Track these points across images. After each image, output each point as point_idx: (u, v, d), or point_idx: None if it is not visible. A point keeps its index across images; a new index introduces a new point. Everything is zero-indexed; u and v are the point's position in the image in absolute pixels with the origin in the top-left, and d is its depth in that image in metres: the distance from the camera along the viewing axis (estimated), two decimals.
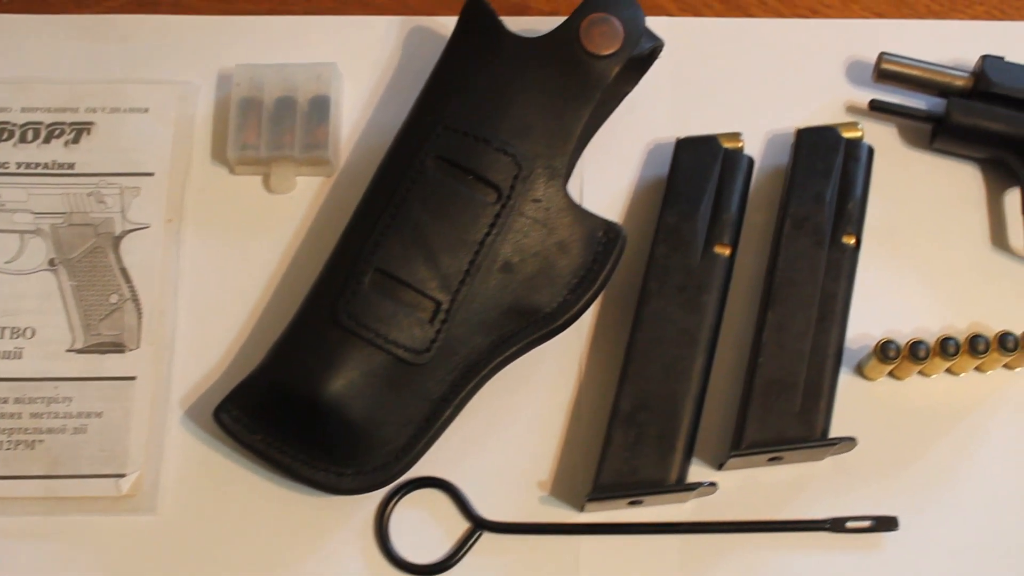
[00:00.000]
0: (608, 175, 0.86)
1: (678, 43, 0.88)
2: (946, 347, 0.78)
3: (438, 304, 0.76)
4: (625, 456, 0.76)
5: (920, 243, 0.85)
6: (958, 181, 0.86)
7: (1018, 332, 0.78)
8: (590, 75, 0.79)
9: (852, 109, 0.87)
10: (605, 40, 0.79)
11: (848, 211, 0.81)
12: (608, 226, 0.79)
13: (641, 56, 0.81)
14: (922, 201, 0.86)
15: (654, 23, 0.87)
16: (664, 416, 0.76)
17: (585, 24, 0.79)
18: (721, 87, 0.88)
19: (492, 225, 0.77)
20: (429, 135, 0.78)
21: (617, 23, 0.79)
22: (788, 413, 0.76)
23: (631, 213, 0.85)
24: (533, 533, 0.78)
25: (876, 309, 0.83)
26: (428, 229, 0.76)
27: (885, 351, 0.78)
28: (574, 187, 0.84)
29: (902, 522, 0.77)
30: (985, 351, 0.78)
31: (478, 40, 0.80)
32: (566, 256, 0.78)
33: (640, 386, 0.77)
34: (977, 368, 0.81)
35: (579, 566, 0.77)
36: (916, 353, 0.78)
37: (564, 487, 0.78)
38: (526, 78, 0.78)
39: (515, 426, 0.80)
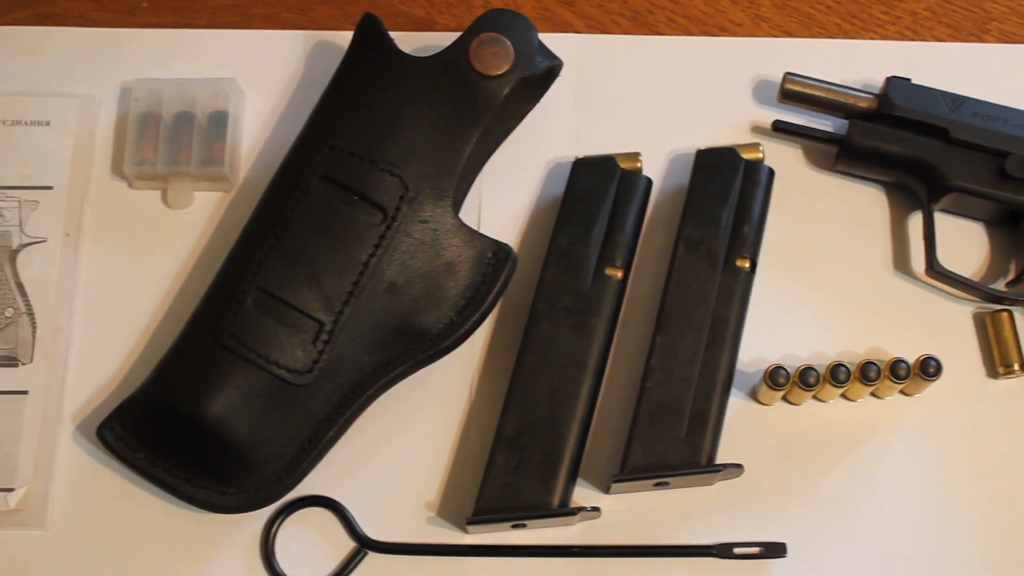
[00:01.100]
0: (508, 194, 0.85)
1: (584, 61, 0.88)
2: (836, 374, 0.77)
3: (321, 325, 0.75)
4: (506, 479, 0.75)
5: (822, 266, 0.84)
6: (862, 204, 0.85)
7: (915, 358, 0.77)
8: (480, 95, 0.78)
9: (758, 129, 0.86)
10: (495, 60, 0.78)
11: (744, 234, 0.80)
12: (498, 247, 0.79)
13: (535, 76, 0.81)
14: (826, 224, 0.85)
15: (560, 40, 0.87)
16: (547, 440, 0.76)
17: (475, 44, 0.78)
18: (627, 105, 0.87)
19: (377, 246, 0.76)
20: (315, 155, 0.77)
21: (508, 43, 0.78)
22: (673, 438, 0.76)
23: (530, 233, 0.84)
24: (418, 554, 0.77)
25: (775, 333, 0.82)
26: (312, 250, 0.76)
27: (774, 377, 0.77)
28: (472, 207, 0.84)
29: (791, 548, 0.77)
30: (876, 378, 0.77)
31: (369, 59, 0.80)
32: (454, 277, 0.78)
33: (524, 409, 0.77)
34: (873, 394, 0.80)
35: None
36: (806, 380, 0.77)
37: (451, 508, 0.78)
38: (415, 98, 0.78)
39: (404, 445, 0.79)
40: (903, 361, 0.77)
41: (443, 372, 0.80)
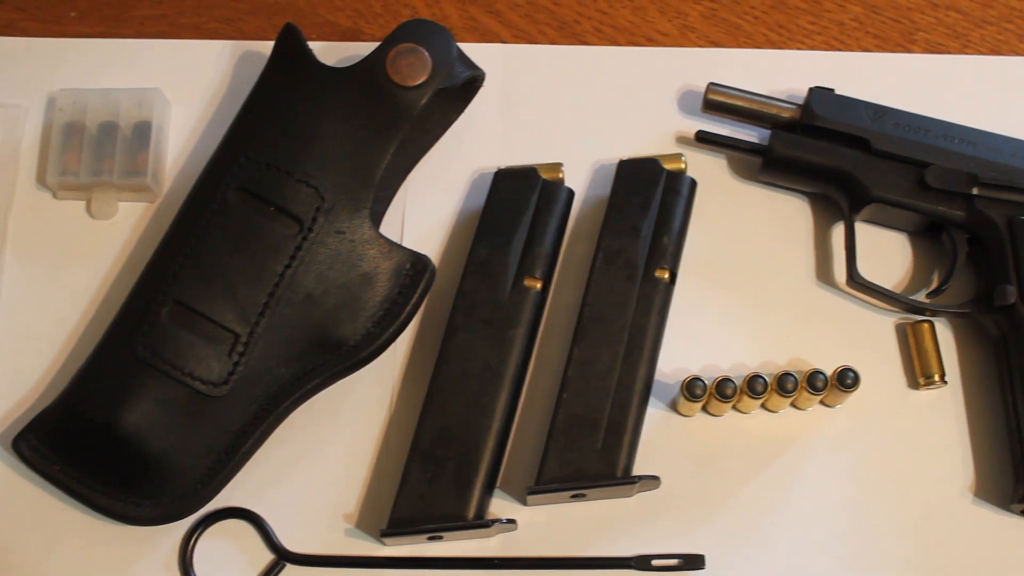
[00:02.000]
0: (432, 205, 0.85)
1: (510, 71, 0.88)
2: (754, 386, 0.77)
3: (236, 336, 0.75)
4: (421, 491, 0.75)
5: (745, 277, 0.83)
6: (786, 214, 0.85)
7: (838, 369, 0.77)
8: (397, 106, 0.78)
9: (683, 140, 0.86)
10: (412, 71, 0.78)
11: (663, 245, 0.79)
12: (416, 258, 0.78)
13: (455, 86, 0.81)
14: (749, 234, 0.84)
15: (485, 51, 0.87)
16: (463, 451, 0.76)
17: (392, 55, 0.78)
18: (552, 116, 0.87)
19: (293, 257, 0.76)
20: (232, 166, 0.77)
21: (425, 54, 0.78)
22: (589, 450, 0.75)
23: (453, 244, 0.84)
24: (336, 566, 0.77)
25: (696, 344, 0.82)
26: (226, 261, 0.76)
27: (691, 389, 0.77)
28: (395, 218, 0.84)
29: (710, 560, 0.76)
30: (793, 390, 0.77)
31: (287, 70, 0.80)
32: (371, 288, 0.78)
33: (440, 421, 0.76)
34: (794, 405, 0.80)
35: None
36: (723, 391, 0.77)
37: (370, 520, 0.78)
38: (331, 109, 0.78)
39: (324, 457, 0.79)
40: (820, 372, 0.77)
41: (364, 383, 0.80)
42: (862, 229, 0.84)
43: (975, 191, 0.79)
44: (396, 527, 0.75)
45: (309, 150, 0.77)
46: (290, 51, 0.80)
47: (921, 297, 0.82)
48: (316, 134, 0.77)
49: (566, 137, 0.86)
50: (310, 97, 0.78)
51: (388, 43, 0.78)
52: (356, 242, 0.77)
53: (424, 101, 0.78)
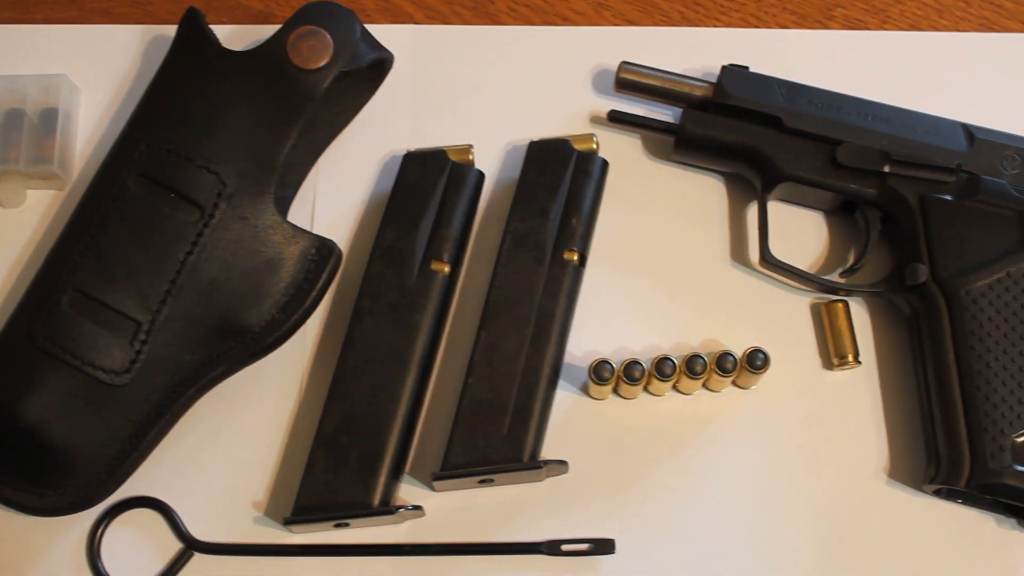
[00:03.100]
0: (343, 190, 0.84)
1: (422, 52, 0.87)
2: (662, 368, 0.76)
3: (138, 324, 0.74)
4: (326, 478, 0.74)
5: (660, 258, 0.82)
6: (701, 194, 0.84)
7: (748, 350, 0.76)
8: (299, 89, 0.77)
9: (597, 120, 0.85)
10: (314, 53, 0.77)
11: (572, 226, 0.78)
12: (321, 243, 0.78)
13: (360, 68, 0.79)
14: (664, 215, 0.84)
15: (397, 32, 0.86)
16: (368, 437, 0.75)
17: (293, 37, 0.77)
18: (466, 97, 0.86)
19: (195, 244, 0.75)
20: (133, 152, 0.76)
21: (327, 36, 0.77)
22: (495, 435, 0.75)
23: (364, 229, 0.83)
24: (244, 554, 0.77)
25: (609, 326, 0.81)
26: (127, 248, 0.75)
27: (599, 372, 0.76)
28: (306, 202, 0.83)
29: (621, 544, 0.76)
30: (702, 372, 0.76)
31: (189, 55, 0.79)
32: (275, 274, 0.77)
33: (344, 407, 0.76)
34: (707, 387, 0.79)
35: None
36: (631, 374, 0.76)
37: (279, 507, 0.77)
38: (232, 94, 0.77)
39: (233, 444, 0.79)
40: (730, 354, 0.76)
41: (273, 369, 0.80)
42: (778, 208, 0.83)
43: (887, 169, 0.78)
44: (300, 515, 0.74)
45: (209, 135, 0.76)
46: (191, 36, 0.79)
47: (835, 276, 0.81)
48: (216, 119, 0.76)
49: (479, 118, 0.85)
50: (210, 82, 0.77)
51: (289, 26, 0.77)
52: (260, 228, 0.76)
53: (326, 84, 0.77)
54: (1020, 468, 0.72)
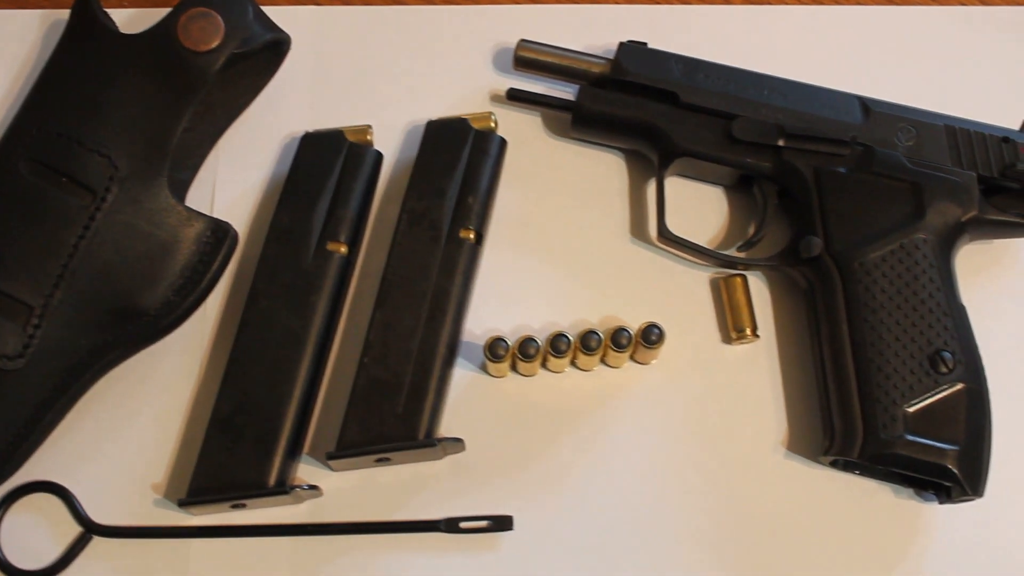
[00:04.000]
0: (244, 172, 0.84)
1: (322, 33, 0.86)
2: (557, 345, 0.76)
3: (30, 309, 0.74)
4: (221, 459, 0.74)
5: (561, 235, 0.82)
6: (602, 171, 0.84)
7: (643, 326, 0.76)
8: (190, 71, 0.77)
9: (497, 98, 0.85)
10: (204, 35, 0.77)
11: (468, 205, 0.79)
12: (216, 226, 0.77)
13: (254, 49, 0.79)
14: (565, 192, 0.84)
15: (297, 13, 0.86)
16: (263, 418, 0.75)
17: (183, 19, 0.77)
18: (366, 77, 0.86)
19: (87, 227, 0.75)
20: (24, 137, 0.76)
21: (218, 18, 0.77)
22: (390, 414, 0.75)
23: (264, 210, 0.83)
24: (144, 536, 0.77)
25: (509, 304, 0.81)
26: (18, 233, 0.75)
27: (494, 349, 0.76)
28: (206, 185, 0.83)
29: (520, 521, 0.76)
30: (597, 348, 0.76)
31: (80, 38, 0.78)
32: (171, 257, 0.77)
33: (240, 388, 0.76)
34: (606, 363, 0.80)
35: (189, 569, 0.76)
36: (525, 351, 0.76)
37: (178, 490, 0.77)
38: (123, 77, 0.77)
39: (132, 427, 0.79)
40: (625, 329, 0.76)
41: (173, 352, 0.80)
42: (679, 184, 0.83)
43: (781, 142, 0.78)
44: (195, 496, 0.74)
45: (101, 119, 0.76)
46: (83, 20, 0.78)
47: (733, 251, 0.81)
48: (107, 102, 0.76)
49: (380, 99, 0.85)
50: (101, 65, 0.77)
51: (180, 8, 0.77)
52: (153, 211, 0.76)
53: (218, 66, 0.77)
54: (912, 438, 0.72)
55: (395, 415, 0.75)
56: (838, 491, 0.77)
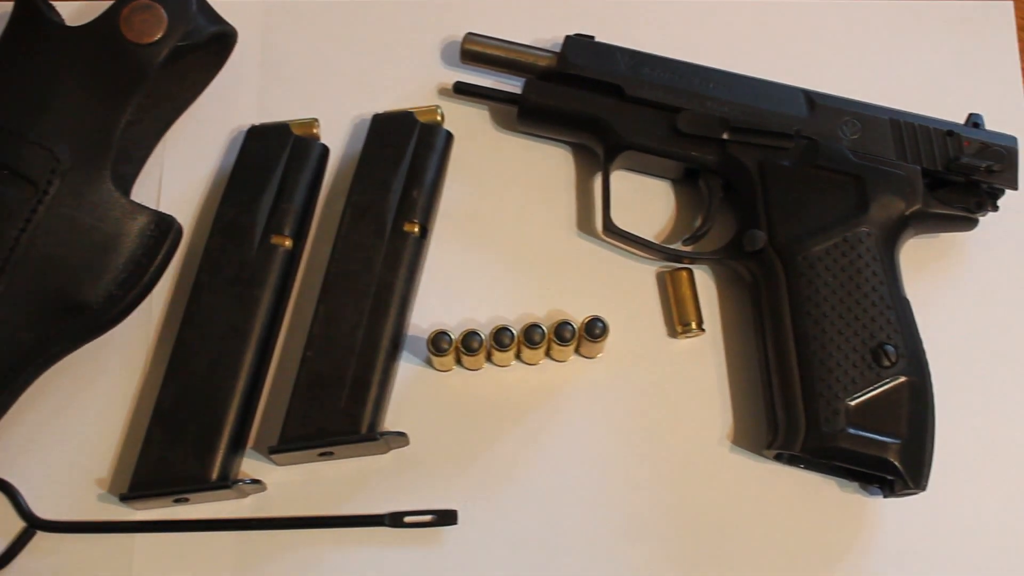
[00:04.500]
0: (191, 165, 0.84)
1: (271, 26, 0.86)
2: (500, 338, 0.76)
3: None
4: (163, 454, 0.74)
5: (508, 229, 0.82)
6: (550, 165, 0.84)
7: (587, 319, 0.76)
8: (133, 64, 0.77)
9: (445, 92, 0.85)
10: (147, 27, 0.76)
11: (413, 198, 0.78)
12: (160, 219, 0.77)
13: (199, 42, 0.79)
14: (512, 186, 0.83)
15: (246, 6, 0.86)
16: (206, 412, 0.75)
17: (126, 12, 0.76)
18: (315, 71, 0.86)
19: (28, 220, 0.75)
20: None
21: (161, 10, 0.77)
22: (332, 407, 0.75)
23: (211, 204, 0.82)
24: (87, 531, 0.77)
25: (456, 298, 0.81)
26: None
27: (437, 343, 0.76)
28: (153, 178, 0.83)
29: (464, 515, 0.76)
30: (540, 341, 0.76)
31: (22, 31, 0.78)
32: (114, 250, 0.76)
33: (182, 382, 0.75)
34: (552, 357, 0.79)
35: (133, 564, 0.76)
36: (469, 345, 0.76)
37: (122, 484, 0.76)
38: (65, 69, 0.76)
39: (77, 422, 0.78)
40: (568, 323, 0.76)
41: (117, 346, 0.79)
42: (627, 178, 0.83)
43: (726, 136, 0.78)
44: (136, 490, 0.74)
45: (43, 112, 0.76)
46: (26, 12, 0.78)
47: (679, 245, 0.81)
48: (49, 95, 0.76)
49: (329, 92, 0.85)
50: (43, 57, 0.77)
51: (123, 0, 0.77)
52: (96, 204, 0.76)
53: (161, 58, 0.77)
54: (854, 431, 0.72)
55: (337, 409, 0.75)
56: (783, 485, 0.77)
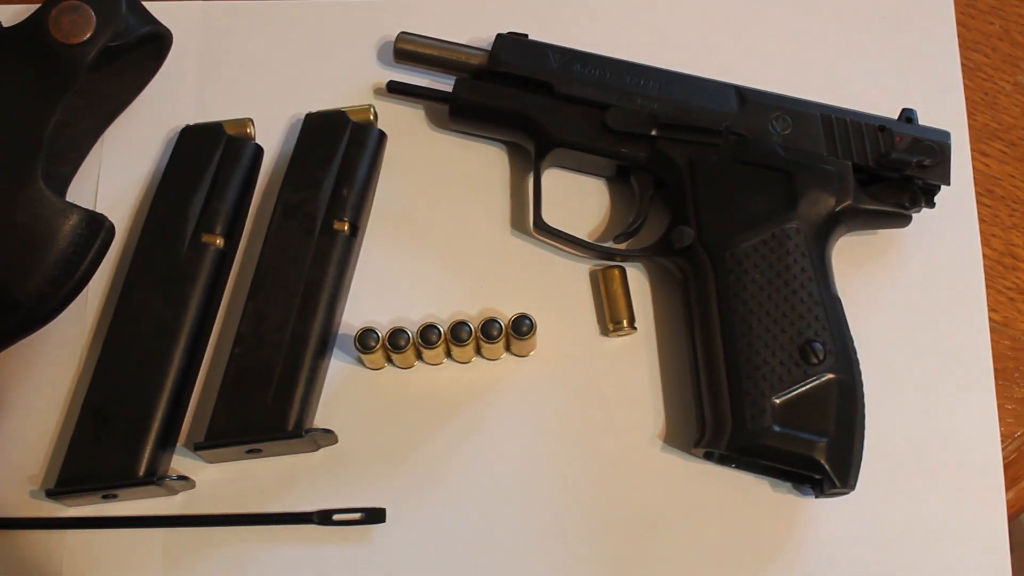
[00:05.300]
0: (129, 165, 0.84)
1: (209, 27, 0.87)
2: (427, 336, 0.76)
3: None
4: (91, 450, 0.74)
5: (442, 227, 0.82)
6: (484, 164, 0.84)
7: (514, 317, 0.75)
8: (61, 64, 0.77)
9: (380, 91, 0.85)
10: (75, 28, 0.77)
11: (343, 196, 0.78)
12: (91, 218, 0.77)
13: (130, 42, 0.80)
14: (447, 185, 0.83)
15: (184, 8, 0.86)
16: (135, 408, 0.75)
17: (54, 13, 0.77)
18: (253, 71, 0.86)
19: None
20: None
21: (89, 10, 0.77)
22: (259, 405, 0.75)
23: (147, 203, 0.82)
24: (16, 528, 0.77)
25: (388, 296, 0.81)
26: None
27: (364, 341, 0.76)
28: (90, 179, 0.83)
29: (393, 513, 0.76)
30: (467, 339, 0.76)
31: None
32: (44, 248, 0.76)
33: (112, 378, 0.76)
34: (484, 356, 0.79)
35: (63, 561, 0.76)
36: (396, 342, 0.76)
37: (54, 481, 0.76)
38: None
39: (8, 418, 0.79)
40: (496, 320, 0.76)
41: (51, 344, 0.80)
42: (561, 176, 0.83)
43: (654, 132, 0.78)
44: (64, 486, 0.74)
45: None
46: None
47: (610, 242, 0.81)
48: None
49: (266, 93, 0.86)
50: None
51: (51, 1, 0.77)
52: (27, 203, 0.76)
53: (91, 58, 0.77)
54: (780, 429, 0.71)
55: (264, 406, 0.75)
56: (715, 485, 0.77)
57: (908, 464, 0.77)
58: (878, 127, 0.78)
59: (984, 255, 0.82)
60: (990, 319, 0.80)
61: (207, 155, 0.80)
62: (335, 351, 0.79)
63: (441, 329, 0.76)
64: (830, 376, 0.72)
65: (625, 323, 0.79)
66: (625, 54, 0.81)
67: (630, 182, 0.81)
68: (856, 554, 0.75)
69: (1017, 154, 0.86)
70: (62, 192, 0.80)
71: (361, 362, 0.79)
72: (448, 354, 0.79)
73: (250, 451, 0.76)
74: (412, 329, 0.76)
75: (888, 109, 0.80)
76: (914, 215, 0.78)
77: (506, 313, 0.79)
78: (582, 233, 0.81)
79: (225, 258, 0.79)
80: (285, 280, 0.77)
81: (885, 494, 0.76)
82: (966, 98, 0.86)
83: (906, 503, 0.76)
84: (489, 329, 0.76)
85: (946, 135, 0.78)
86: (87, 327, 0.81)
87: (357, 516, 0.77)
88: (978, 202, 0.83)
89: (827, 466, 0.71)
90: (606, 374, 0.79)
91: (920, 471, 0.76)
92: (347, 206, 0.78)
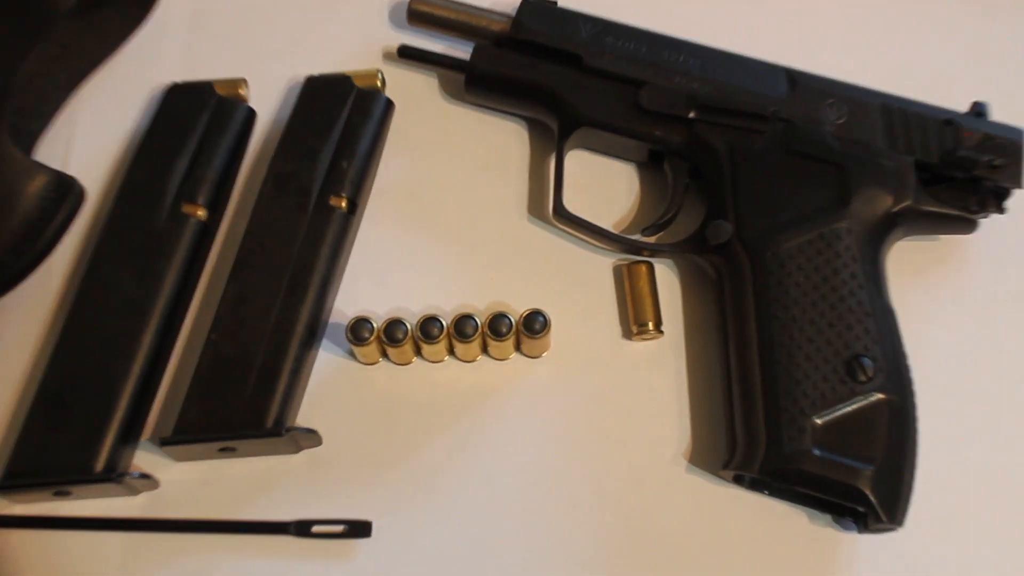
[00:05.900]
0: (107, 124, 0.77)
1: None
2: (428, 329, 0.68)
3: None
4: (45, 441, 0.66)
5: (451, 209, 0.75)
6: (502, 141, 0.76)
7: (526, 313, 0.67)
8: (33, 7, 0.70)
9: (390, 56, 0.77)
10: None
11: (342, 170, 0.71)
12: (60, 180, 0.70)
13: None
14: (459, 163, 0.76)
15: None
16: (95, 396, 0.67)
17: None
18: (250, 28, 0.79)
19: None
20: None
21: None
22: (236, 398, 0.67)
23: (124, 167, 0.74)
24: None
25: (389, 283, 0.73)
26: None
27: (357, 331, 0.68)
28: (61, 138, 0.76)
29: (380, 526, 0.68)
30: (473, 335, 0.68)
31: None
32: (5, 212, 0.69)
33: (72, 363, 0.68)
34: (491, 355, 0.71)
35: (4, 564, 0.68)
36: (392, 335, 0.68)
37: (2, 474, 0.69)
38: None
39: None
40: (506, 316, 0.68)
41: (8, 321, 0.72)
42: (589, 159, 0.75)
43: (692, 114, 0.70)
44: (11, 480, 0.66)
45: None
46: None
47: (638, 235, 0.73)
48: None
49: (262, 51, 0.78)
50: None
51: None
52: None
53: (70, 4, 0.70)
54: (820, 454, 0.63)
55: (242, 399, 0.67)
56: (745, 513, 0.68)
57: (965, 501, 0.68)
58: (944, 121, 0.70)
59: None
60: None
61: (193, 117, 0.72)
62: (324, 342, 0.71)
63: (444, 322, 0.68)
64: (879, 396, 0.64)
65: (651, 325, 0.71)
66: (664, 28, 0.74)
67: (663, 169, 0.73)
68: None
69: None
70: (29, 150, 0.73)
71: (353, 355, 0.71)
72: (451, 351, 0.71)
73: (223, 449, 0.68)
74: (411, 321, 0.68)
75: (957, 102, 0.72)
76: (981, 220, 0.71)
77: (518, 308, 0.71)
78: (607, 223, 0.73)
79: (206, 232, 0.72)
80: (272, 259, 0.69)
81: (937, 533, 0.67)
82: None
83: (960, 545, 0.67)
84: (498, 325, 0.68)
85: (1019, 132, 0.70)
86: (48, 302, 0.73)
87: (339, 529, 0.68)
88: None
89: (872, 498, 0.63)
90: (627, 382, 0.71)
91: (977, 509, 0.68)
92: (346, 180, 0.70)
